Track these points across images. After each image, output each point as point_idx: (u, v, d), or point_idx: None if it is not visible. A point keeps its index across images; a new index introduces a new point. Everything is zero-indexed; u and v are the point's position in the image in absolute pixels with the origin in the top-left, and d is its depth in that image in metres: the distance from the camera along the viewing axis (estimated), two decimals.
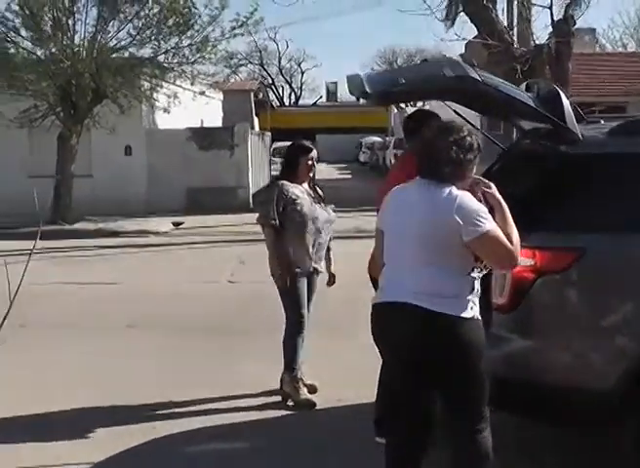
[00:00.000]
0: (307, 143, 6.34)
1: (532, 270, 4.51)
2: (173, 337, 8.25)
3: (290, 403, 6.15)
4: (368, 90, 4.58)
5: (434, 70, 4.69)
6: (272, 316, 8.78)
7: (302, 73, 70.91)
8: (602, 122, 5.44)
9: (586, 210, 4.62)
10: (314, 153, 6.27)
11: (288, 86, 71.08)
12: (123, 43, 19.01)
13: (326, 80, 72.76)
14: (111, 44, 19.03)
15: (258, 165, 24.20)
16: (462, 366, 3.89)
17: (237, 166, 22.35)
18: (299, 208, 6.09)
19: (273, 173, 28.56)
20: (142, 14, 18.20)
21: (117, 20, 18.71)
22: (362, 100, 4.97)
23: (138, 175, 21.89)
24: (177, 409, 6.06)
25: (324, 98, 70.77)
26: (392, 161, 34.19)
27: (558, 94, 4.75)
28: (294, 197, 6.09)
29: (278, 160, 31.41)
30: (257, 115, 40.30)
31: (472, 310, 3.88)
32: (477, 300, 3.92)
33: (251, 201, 22.63)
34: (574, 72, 19.09)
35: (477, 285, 3.94)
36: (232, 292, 11.05)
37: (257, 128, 35.73)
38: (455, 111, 5.31)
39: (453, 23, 19.78)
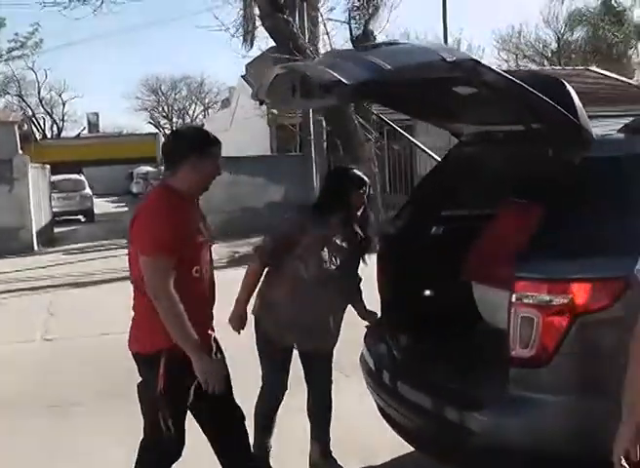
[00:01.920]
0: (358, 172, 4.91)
1: (568, 310, 3.49)
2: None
3: None
4: (344, 80, 3.33)
5: (428, 54, 3.51)
6: (112, 379, 7.34)
7: (64, 104, 67.37)
8: None
9: (620, 226, 3.65)
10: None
11: (49, 117, 67.30)
12: None
13: (87, 111, 69.77)
14: None
15: (38, 201, 21.94)
16: None
17: (18, 203, 19.97)
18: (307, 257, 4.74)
19: (54, 209, 26.33)
20: None
21: None
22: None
23: None
24: None
25: (86, 130, 67.85)
26: None
27: (565, 87, 3.74)
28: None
29: (57, 195, 29.21)
30: (21, 148, 37.53)
31: None
32: None
33: (35, 242, 20.38)
34: None
35: None
36: (53, 351, 9.31)
37: None
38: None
39: (252, 43, 18.95)
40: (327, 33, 18.08)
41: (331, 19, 18.18)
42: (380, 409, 4.76)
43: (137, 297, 3.91)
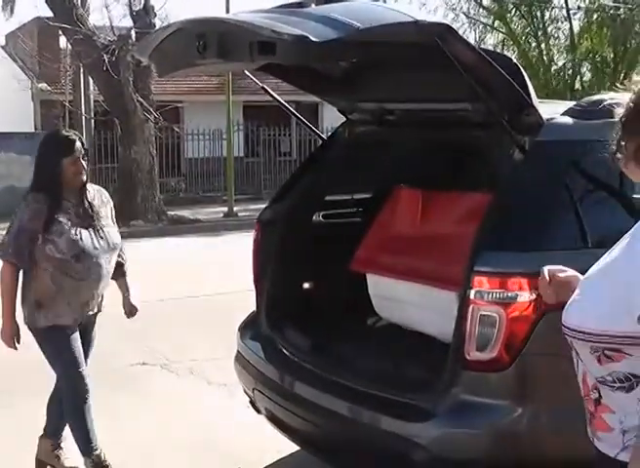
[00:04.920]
0: (67, 133, 4.29)
1: (533, 307, 3.18)
2: None
3: None
4: (312, 37, 2.82)
5: (397, 15, 3.06)
6: None
7: None
8: None
9: (580, 214, 3.40)
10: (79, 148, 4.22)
11: None
12: None
13: None
14: None
15: None
16: None
17: None
18: (57, 238, 4.13)
19: None
20: None
21: None
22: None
23: None
24: None
25: None
26: None
27: (519, 68, 3.43)
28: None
29: None
30: None
31: None
32: None
33: None
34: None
35: None
36: None
37: None
38: None
39: (12, 10, 17.60)
40: (106, 6, 17.11)
41: None
42: (271, 415, 4.25)
43: None
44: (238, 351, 4.57)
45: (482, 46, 25.65)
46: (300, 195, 4.66)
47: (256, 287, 4.68)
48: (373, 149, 4.56)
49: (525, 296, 3.17)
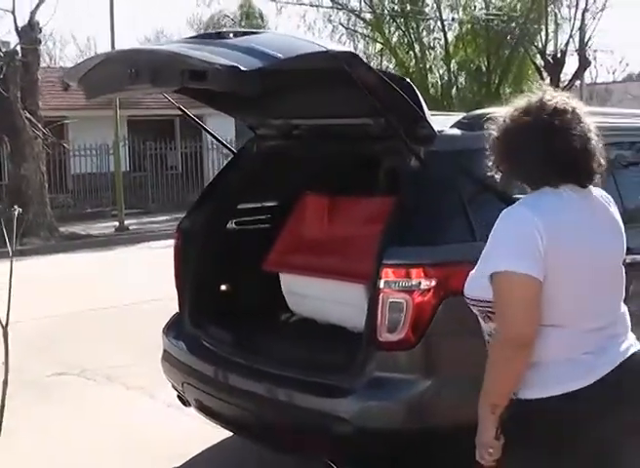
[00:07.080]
0: None
1: (433, 293, 3.71)
2: None
3: None
4: (241, 66, 3.26)
5: (309, 45, 3.55)
6: None
7: None
8: None
9: (468, 213, 3.94)
10: None
11: None
12: None
13: None
14: None
15: None
16: None
17: None
18: None
19: None
20: None
21: None
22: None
23: None
24: None
25: None
26: None
27: (410, 85, 3.96)
28: None
29: None
30: None
31: None
32: None
33: None
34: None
35: None
36: None
37: None
38: None
39: None
40: None
41: None
42: (200, 404, 4.66)
43: None
44: (165, 350, 4.95)
45: (361, 56, 26.50)
46: (214, 205, 5.09)
47: (178, 290, 5.06)
48: (281, 161, 5.01)
49: (426, 284, 3.69)
